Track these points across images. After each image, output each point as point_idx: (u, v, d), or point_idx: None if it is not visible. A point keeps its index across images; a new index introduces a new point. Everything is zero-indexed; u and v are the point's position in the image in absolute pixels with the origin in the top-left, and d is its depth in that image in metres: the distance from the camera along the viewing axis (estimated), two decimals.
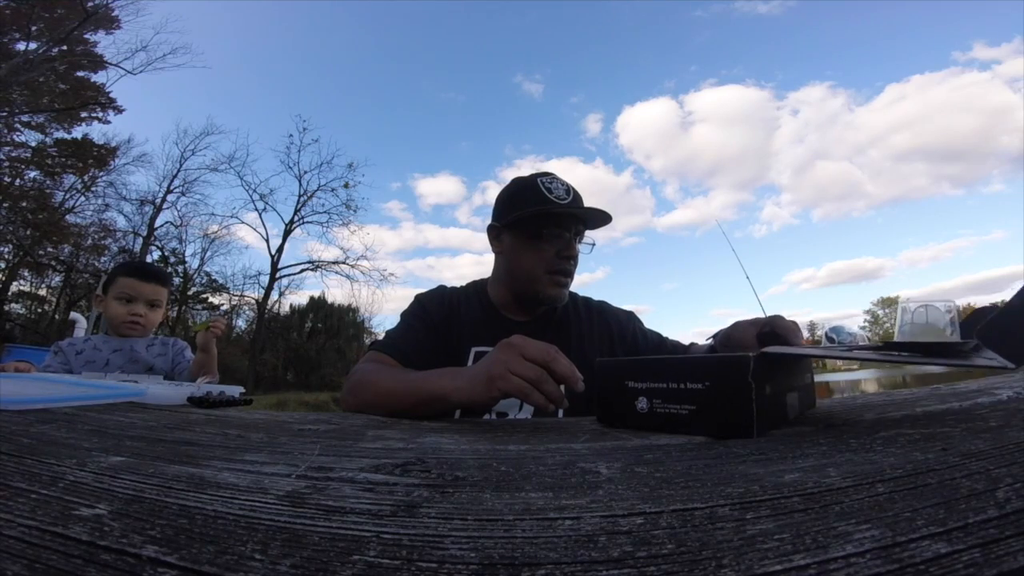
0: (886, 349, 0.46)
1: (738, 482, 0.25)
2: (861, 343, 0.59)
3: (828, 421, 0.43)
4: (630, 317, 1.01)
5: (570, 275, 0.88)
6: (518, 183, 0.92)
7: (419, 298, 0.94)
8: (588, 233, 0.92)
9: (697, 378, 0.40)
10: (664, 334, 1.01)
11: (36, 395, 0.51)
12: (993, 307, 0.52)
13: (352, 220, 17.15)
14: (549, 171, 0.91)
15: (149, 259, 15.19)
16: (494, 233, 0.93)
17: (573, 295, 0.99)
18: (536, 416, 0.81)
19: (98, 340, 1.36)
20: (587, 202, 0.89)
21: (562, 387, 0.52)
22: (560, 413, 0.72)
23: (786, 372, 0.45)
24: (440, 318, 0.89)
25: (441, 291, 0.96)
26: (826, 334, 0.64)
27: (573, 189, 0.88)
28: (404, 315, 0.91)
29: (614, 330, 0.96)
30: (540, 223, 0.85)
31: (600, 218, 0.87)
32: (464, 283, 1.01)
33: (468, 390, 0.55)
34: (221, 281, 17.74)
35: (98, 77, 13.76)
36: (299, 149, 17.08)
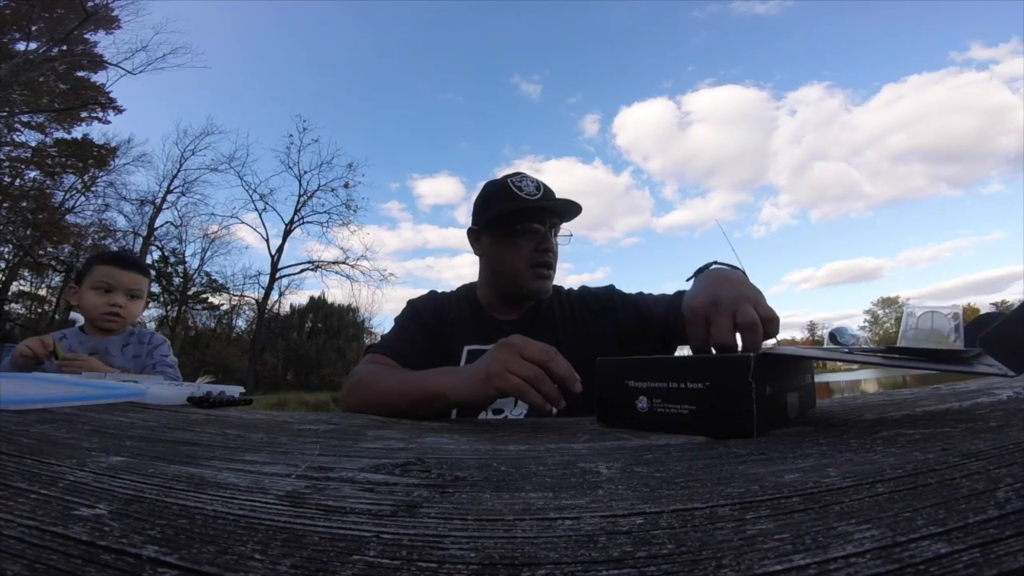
0: (889, 353, 0.46)
1: (738, 482, 0.25)
2: (863, 345, 0.59)
3: (828, 421, 0.43)
4: (609, 292, 1.01)
5: (551, 267, 0.90)
6: (490, 186, 0.95)
7: (411, 302, 0.97)
8: (570, 228, 0.95)
9: (697, 378, 0.40)
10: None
11: (36, 395, 0.51)
12: (998, 313, 0.52)
13: (352, 220, 17.15)
14: (519, 171, 0.94)
15: (149, 259, 15.18)
16: (473, 236, 0.96)
17: (557, 288, 1.01)
18: (532, 414, 0.82)
19: (73, 339, 1.28)
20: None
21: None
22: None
23: (787, 372, 0.45)
24: (432, 320, 0.92)
25: (432, 295, 0.99)
26: (829, 335, 0.64)
27: (544, 185, 0.91)
28: (398, 320, 0.94)
29: (594, 307, 0.96)
30: (514, 219, 0.88)
31: (571, 209, 0.90)
32: (462, 284, 1.03)
33: (465, 388, 0.56)
34: (221, 281, 17.76)
35: (98, 77, 13.77)
36: (299, 149, 17.08)
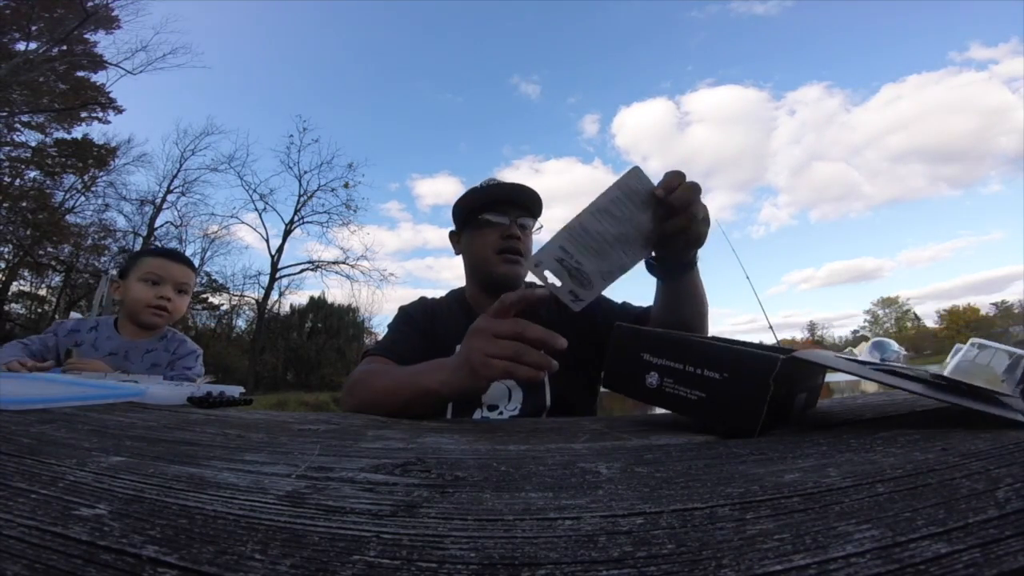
0: (934, 381, 0.44)
1: (738, 482, 0.25)
2: (903, 363, 0.56)
3: (828, 421, 0.43)
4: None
5: (518, 252, 0.93)
6: (466, 192, 1.01)
7: (402, 308, 1.01)
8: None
9: (717, 367, 0.39)
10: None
11: (36, 395, 0.51)
12: None
13: (352, 220, 17.19)
14: (495, 177, 1.02)
15: None
16: (455, 239, 1.03)
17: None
18: (527, 408, 0.82)
19: (102, 335, 1.23)
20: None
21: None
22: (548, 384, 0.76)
23: (802, 374, 0.44)
24: (425, 323, 0.95)
25: (423, 300, 1.03)
26: (872, 345, 0.61)
27: (517, 185, 0.96)
28: (391, 325, 0.97)
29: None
30: (480, 211, 0.94)
31: (530, 197, 0.95)
32: (458, 285, 1.07)
33: (455, 383, 0.55)
34: (221, 281, 17.77)
35: (98, 77, 13.79)
36: (299, 149, 17.13)
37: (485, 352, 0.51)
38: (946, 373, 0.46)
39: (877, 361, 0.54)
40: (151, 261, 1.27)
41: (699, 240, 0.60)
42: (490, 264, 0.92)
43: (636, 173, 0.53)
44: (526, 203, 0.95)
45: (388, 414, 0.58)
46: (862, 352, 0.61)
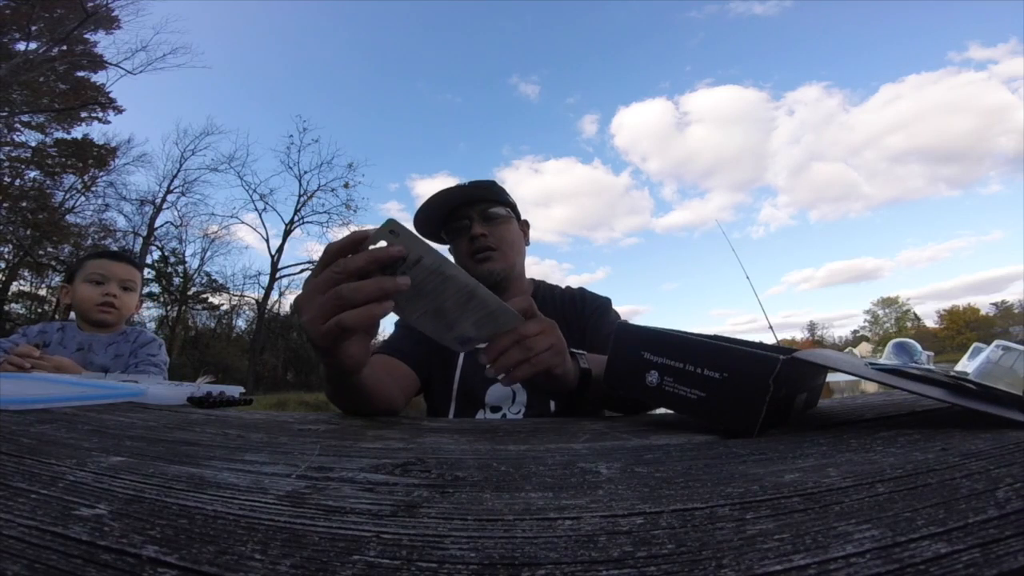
0: (955, 380, 0.43)
1: (738, 482, 0.25)
2: (927, 364, 0.54)
3: (828, 421, 0.43)
4: (600, 302, 1.01)
5: (488, 249, 0.92)
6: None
7: None
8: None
9: (717, 366, 0.39)
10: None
11: (36, 395, 0.51)
12: None
13: (352, 220, 17.22)
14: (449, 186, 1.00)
15: (148, 259, 15.24)
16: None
17: (552, 287, 1.04)
18: (531, 411, 0.82)
19: (68, 335, 1.27)
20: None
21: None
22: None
23: (803, 375, 0.44)
24: None
25: None
26: (893, 350, 0.59)
27: (470, 184, 0.96)
28: (397, 323, 0.96)
29: (579, 306, 0.98)
30: (444, 225, 0.95)
31: (481, 187, 0.95)
32: None
33: (323, 358, 0.48)
34: (221, 281, 17.80)
35: (98, 77, 13.82)
36: (299, 149, 17.18)
37: (310, 324, 0.43)
38: (971, 374, 0.45)
39: (903, 365, 0.51)
40: (94, 263, 1.31)
41: (546, 382, 0.55)
42: (470, 270, 0.92)
43: (517, 319, 0.50)
44: (482, 196, 0.94)
45: (349, 406, 0.59)
46: (885, 354, 0.59)
